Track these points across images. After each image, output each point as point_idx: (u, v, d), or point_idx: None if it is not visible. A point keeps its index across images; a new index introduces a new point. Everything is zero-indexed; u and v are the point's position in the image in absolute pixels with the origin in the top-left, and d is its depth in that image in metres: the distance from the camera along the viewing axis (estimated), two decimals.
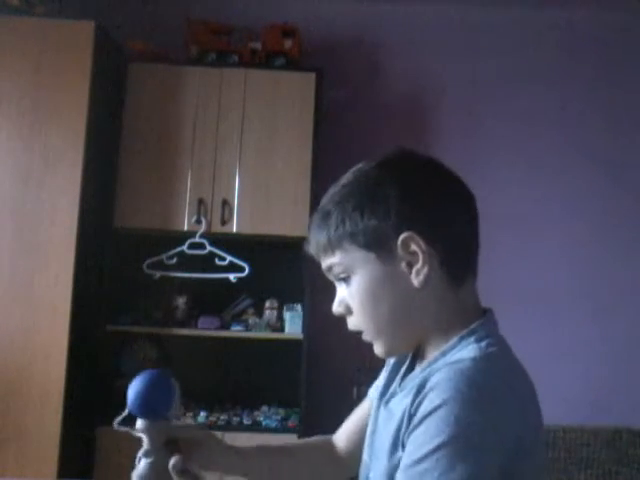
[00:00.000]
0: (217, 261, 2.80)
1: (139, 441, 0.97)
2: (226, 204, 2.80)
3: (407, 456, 0.79)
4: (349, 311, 0.94)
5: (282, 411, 2.76)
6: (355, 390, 2.76)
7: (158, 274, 2.80)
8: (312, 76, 2.87)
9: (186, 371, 2.96)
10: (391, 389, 0.99)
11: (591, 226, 3.18)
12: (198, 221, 2.78)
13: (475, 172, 3.23)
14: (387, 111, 3.25)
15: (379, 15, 3.27)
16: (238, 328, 2.79)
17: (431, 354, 0.92)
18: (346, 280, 0.93)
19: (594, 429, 2.93)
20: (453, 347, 0.89)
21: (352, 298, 0.93)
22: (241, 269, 2.80)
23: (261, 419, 2.72)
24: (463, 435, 0.76)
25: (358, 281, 0.91)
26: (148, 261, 2.81)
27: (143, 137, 2.84)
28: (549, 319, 3.12)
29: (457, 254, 0.91)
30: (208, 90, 2.86)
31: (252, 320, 2.82)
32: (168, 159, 2.83)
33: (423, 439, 0.78)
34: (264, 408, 2.78)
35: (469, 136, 3.25)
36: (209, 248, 2.79)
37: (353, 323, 0.94)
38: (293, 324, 2.76)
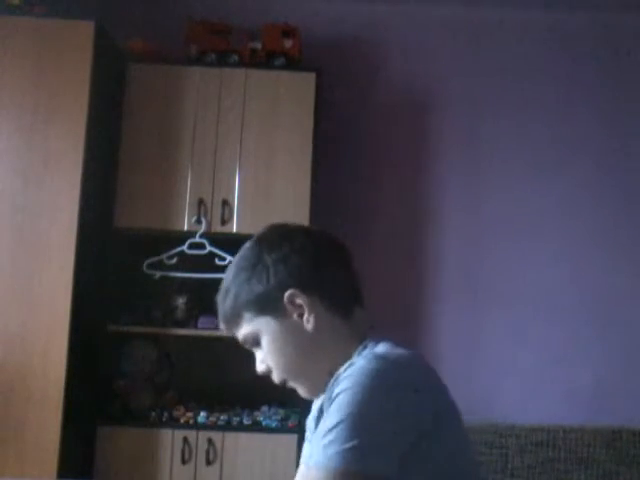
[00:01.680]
0: (217, 261, 2.80)
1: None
2: (226, 204, 2.80)
3: (317, 434, 0.96)
4: (270, 369, 1.13)
5: (282, 411, 2.76)
6: None
7: (158, 274, 2.80)
8: (312, 76, 2.87)
9: (186, 371, 2.97)
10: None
11: (591, 227, 3.17)
12: (198, 221, 2.78)
13: (475, 172, 3.27)
14: (387, 111, 3.25)
15: (379, 15, 3.26)
16: None
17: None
18: (259, 344, 1.11)
19: (594, 429, 2.93)
20: (352, 363, 1.02)
21: (267, 357, 1.11)
22: None
23: (261, 419, 2.72)
24: (358, 413, 0.91)
25: (266, 342, 1.10)
26: (148, 261, 2.80)
27: (143, 137, 2.84)
28: (549, 320, 3.12)
29: (337, 293, 1.11)
30: (208, 90, 2.86)
31: None
32: (168, 159, 2.83)
33: (329, 419, 0.93)
34: (264, 408, 2.78)
35: (469, 136, 3.25)
36: (209, 248, 2.79)
37: (276, 378, 1.13)
38: None
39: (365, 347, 1.07)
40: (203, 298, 2.90)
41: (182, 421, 2.69)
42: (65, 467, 2.50)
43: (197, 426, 2.67)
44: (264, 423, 2.70)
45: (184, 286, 2.88)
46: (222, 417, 2.70)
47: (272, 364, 1.11)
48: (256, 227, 3.02)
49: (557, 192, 3.20)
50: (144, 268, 2.80)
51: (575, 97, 3.26)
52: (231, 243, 2.83)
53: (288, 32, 2.91)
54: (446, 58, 3.28)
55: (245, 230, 2.80)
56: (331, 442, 0.90)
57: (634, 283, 3.14)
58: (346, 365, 1.01)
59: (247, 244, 1.18)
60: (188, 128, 2.83)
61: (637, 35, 3.28)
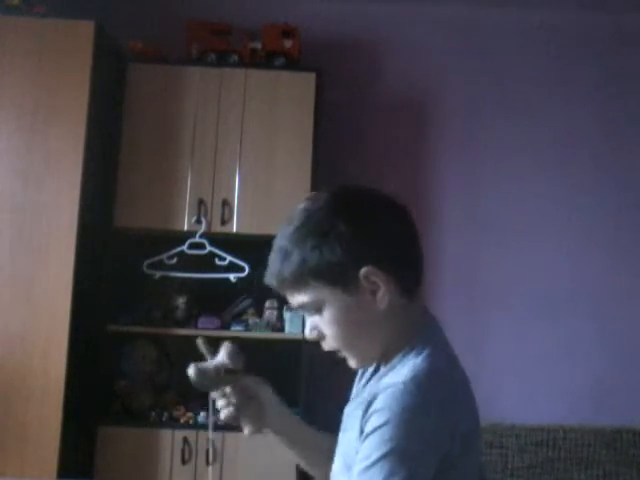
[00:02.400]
0: (217, 261, 2.80)
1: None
2: (226, 204, 2.79)
3: (357, 465, 0.96)
4: (322, 336, 1.08)
5: None
6: None
7: (158, 274, 2.80)
8: (312, 76, 2.87)
9: (186, 371, 2.97)
10: (354, 393, 1.19)
11: (591, 227, 3.17)
12: (198, 221, 2.78)
13: (475, 172, 3.27)
14: (387, 111, 3.25)
15: (379, 15, 3.26)
16: (238, 328, 2.79)
17: (385, 365, 1.08)
18: (319, 312, 1.06)
19: (594, 429, 2.93)
20: (398, 363, 1.05)
21: (326, 326, 1.06)
22: (241, 269, 2.80)
23: None
24: (398, 449, 0.93)
25: (330, 313, 1.04)
26: (148, 261, 2.80)
27: (143, 137, 2.84)
28: (549, 319, 3.12)
29: (408, 274, 1.07)
30: (208, 90, 2.85)
31: (252, 320, 2.82)
32: (168, 159, 2.83)
33: (369, 452, 0.95)
34: None
35: (469, 136, 3.25)
36: (209, 248, 2.79)
37: (328, 345, 1.09)
38: (293, 324, 2.76)
39: (412, 349, 1.04)
40: (203, 298, 2.90)
41: (182, 421, 2.69)
42: (65, 467, 2.50)
43: (197, 426, 2.67)
44: None
45: (184, 286, 2.88)
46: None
47: (329, 334, 1.06)
48: (256, 227, 3.04)
49: (557, 192, 3.20)
50: (144, 268, 2.80)
51: (575, 97, 3.25)
52: (231, 243, 2.84)
53: (288, 32, 2.91)
54: (446, 58, 3.28)
55: (245, 230, 2.80)
56: (373, 476, 0.93)
57: (634, 283, 3.14)
58: (393, 366, 1.04)
59: (312, 205, 1.05)
60: (188, 128, 2.83)
61: (637, 35, 3.28)
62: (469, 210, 3.20)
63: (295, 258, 1.01)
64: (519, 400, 3.05)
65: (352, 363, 1.10)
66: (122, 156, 2.81)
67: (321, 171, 2.89)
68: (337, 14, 3.25)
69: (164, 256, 2.80)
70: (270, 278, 1.06)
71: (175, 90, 2.86)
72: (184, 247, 2.79)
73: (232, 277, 2.80)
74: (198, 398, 2.85)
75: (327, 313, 1.04)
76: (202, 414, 2.70)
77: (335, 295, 1.03)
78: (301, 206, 1.06)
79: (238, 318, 2.86)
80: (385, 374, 1.06)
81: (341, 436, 1.14)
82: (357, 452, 0.99)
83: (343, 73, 3.23)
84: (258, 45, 2.91)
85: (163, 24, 3.13)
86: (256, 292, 2.91)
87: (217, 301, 2.91)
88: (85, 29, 2.67)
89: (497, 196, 3.20)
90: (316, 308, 1.05)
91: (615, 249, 3.17)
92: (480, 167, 3.23)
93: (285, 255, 1.03)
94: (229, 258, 2.80)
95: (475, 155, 3.24)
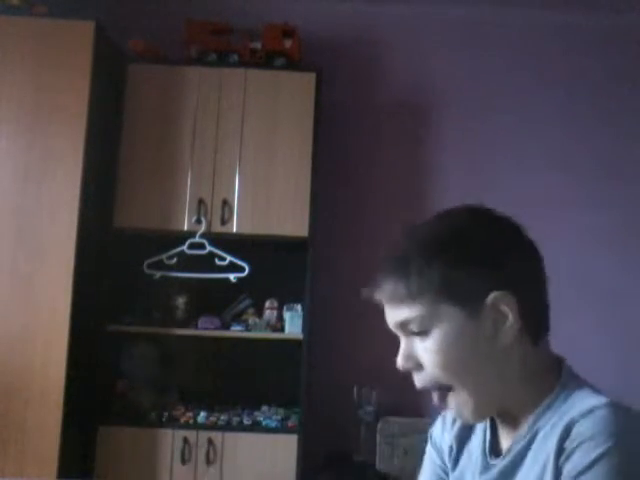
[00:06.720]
0: (217, 261, 2.80)
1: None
2: (226, 204, 2.80)
3: None
4: (419, 367, 0.92)
5: (282, 411, 2.76)
6: (355, 390, 2.76)
7: (158, 274, 2.80)
8: (312, 76, 2.87)
9: (186, 371, 2.97)
10: (473, 459, 1.00)
11: (594, 225, 3.17)
12: (198, 221, 2.78)
13: (475, 173, 3.26)
14: (387, 111, 3.25)
15: (379, 15, 3.26)
16: (238, 328, 2.79)
17: (522, 414, 0.93)
18: (421, 334, 0.91)
19: None
20: (556, 399, 0.91)
21: (429, 353, 0.91)
22: (241, 269, 2.80)
23: (261, 419, 2.72)
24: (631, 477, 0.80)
25: (440, 336, 0.90)
26: (148, 261, 2.80)
27: (143, 137, 2.84)
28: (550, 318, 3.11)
29: (537, 313, 0.95)
30: (208, 90, 2.86)
31: (252, 320, 2.82)
32: (168, 159, 2.83)
33: None
34: (264, 408, 2.78)
35: (469, 137, 3.25)
36: (209, 248, 2.79)
37: (425, 378, 0.92)
38: (293, 324, 2.76)
39: (566, 384, 0.92)
40: (203, 298, 2.91)
41: (182, 421, 2.69)
42: (65, 467, 2.50)
43: (197, 426, 2.67)
44: (264, 423, 2.70)
45: (184, 286, 2.89)
46: (222, 417, 2.70)
47: (432, 361, 0.90)
48: (256, 227, 3.04)
49: (558, 190, 3.19)
50: (144, 268, 2.80)
51: (576, 96, 3.25)
52: (231, 243, 2.84)
53: (288, 32, 2.91)
54: (446, 58, 3.28)
55: (245, 230, 2.80)
56: None
57: (636, 282, 3.14)
58: (551, 403, 0.91)
59: (442, 219, 0.99)
60: (188, 128, 2.83)
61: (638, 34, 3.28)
62: None
63: (415, 269, 0.90)
64: None
65: (465, 411, 0.93)
66: (122, 156, 2.81)
67: (321, 171, 2.89)
68: (337, 14, 3.25)
69: (164, 256, 2.80)
70: (378, 290, 0.93)
71: (175, 90, 2.86)
72: (184, 247, 2.79)
73: (232, 277, 2.80)
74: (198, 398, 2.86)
75: (435, 336, 0.90)
76: (202, 414, 2.70)
77: (452, 316, 0.90)
78: (427, 221, 0.99)
79: (238, 318, 2.87)
80: (543, 413, 0.91)
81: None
82: None
83: (343, 73, 3.23)
84: (258, 45, 2.91)
85: (163, 24, 3.13)
86: (256, 292, 2.92)
87: (217, 301, 2.91)
88: (85, 29, 2.67)
89: (498, 196, 3.19)
90: (422, 326, 0.90)
91: (620, 247, 3.16)
92: (480, 167, 3.23)
93: (403, 265, 0.91)
94: (229, 258, 2.80)
95: (475, 155, 3.24)
